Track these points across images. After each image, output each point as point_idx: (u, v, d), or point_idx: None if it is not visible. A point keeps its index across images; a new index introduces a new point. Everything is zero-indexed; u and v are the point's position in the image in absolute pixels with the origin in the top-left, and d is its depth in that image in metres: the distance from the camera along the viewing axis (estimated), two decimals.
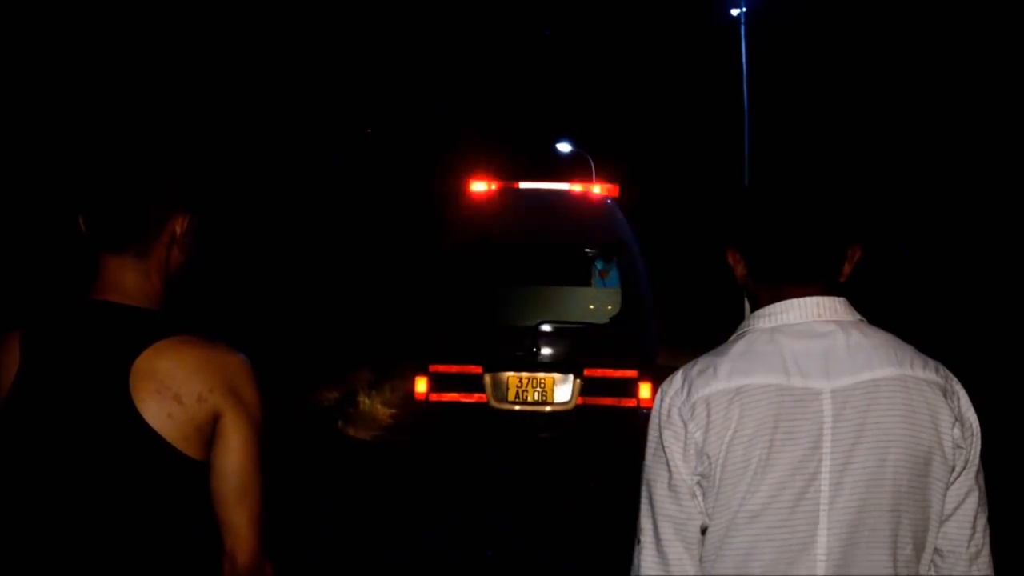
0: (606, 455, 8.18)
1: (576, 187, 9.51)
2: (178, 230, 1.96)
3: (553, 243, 9.11)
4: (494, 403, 8.30)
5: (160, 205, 1.93)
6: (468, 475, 8.71)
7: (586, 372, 8.25)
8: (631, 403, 8.21)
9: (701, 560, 1.84)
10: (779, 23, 23.11)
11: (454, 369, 8.31)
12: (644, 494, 1.88)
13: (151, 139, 1.97)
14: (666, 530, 1.83)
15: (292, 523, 6.42)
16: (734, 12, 20.88)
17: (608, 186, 9.56)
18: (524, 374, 8.30)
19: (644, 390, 8.23)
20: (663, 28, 31.72)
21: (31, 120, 11.81)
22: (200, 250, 1.98)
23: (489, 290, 9.16)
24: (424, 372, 8.40)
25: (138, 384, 1.81)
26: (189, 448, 1.83)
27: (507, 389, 8.31)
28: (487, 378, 8.27)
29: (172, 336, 1.87)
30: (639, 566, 1.88)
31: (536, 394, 8.27)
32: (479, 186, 9.21)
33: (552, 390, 8.28)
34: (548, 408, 8.30)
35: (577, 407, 8.27)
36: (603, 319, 9.03)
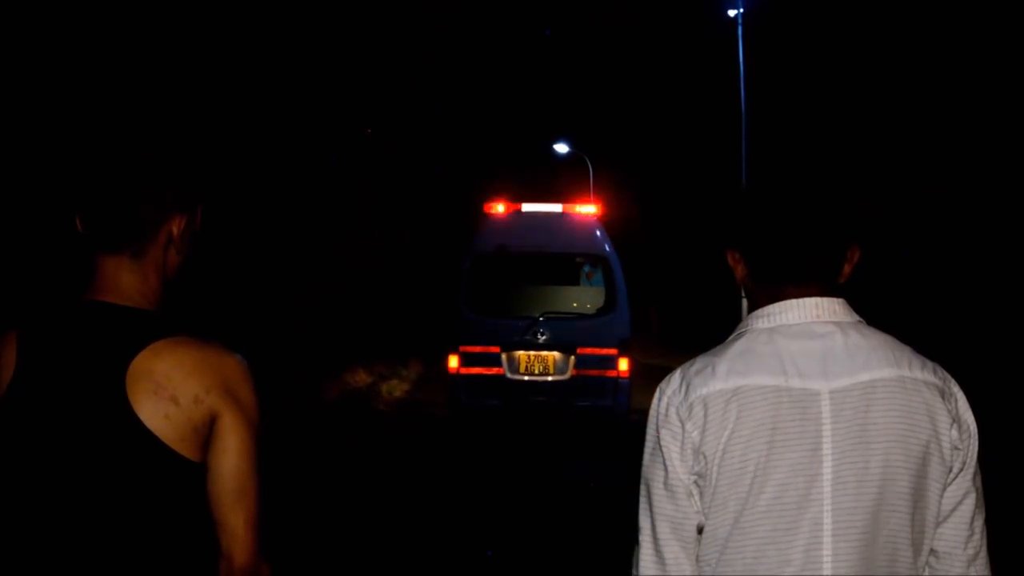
0: (595, 414, 9.99)
1: (568, 208, 10.86)
2: (175, 231, 1.70)
3: (551, 253, 10.61)
4: (509, 375, 10.21)
5: (157, 206, 1.66)
6: (488, 443, 10.10)
7: (579, 350, 10.07)
8: (613, 374, 10.10)
9: (700, 561, 1.60)
10: (777, 23, 23.15)
11: (478, 349, 10.19)
12: (643, 493, 1.65)
13: (149, 140, 1.68)
14: (663, 529, 1.62)
15: (293, 520, 5.80)
16: (731, 12, 20.94)
17: (593, 206, 11.04)
18: (532, 352, 10.14)
19: (622, 364, 10.07)
20: (661, 28, 31.76)
21: (29, 120, 11.78)
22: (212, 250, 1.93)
23: (503, 289, 10.66)
24: (456, 352, 10.16)
25: (134, 385, 1.57)
26: (186, 449, 1.58)
27: (519, 364, 10.20)
28: (503, 356, 10.16)
29: (169, 337, 1.60)
30: (637, 565, 1.64)
31: (540, 367, 10.20)
32: (492, 208, 10.81)
33: (553, 364, 10.21)
34: (550, 378, 10.15)
35: (572, 377, 10.10)
36: (590, 311, 10.73)
